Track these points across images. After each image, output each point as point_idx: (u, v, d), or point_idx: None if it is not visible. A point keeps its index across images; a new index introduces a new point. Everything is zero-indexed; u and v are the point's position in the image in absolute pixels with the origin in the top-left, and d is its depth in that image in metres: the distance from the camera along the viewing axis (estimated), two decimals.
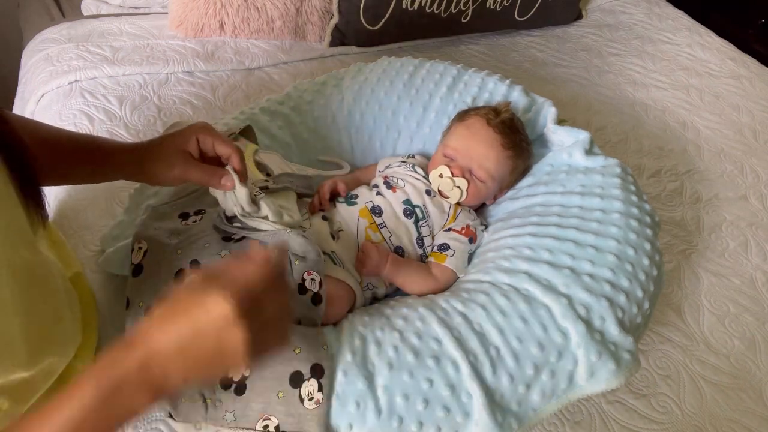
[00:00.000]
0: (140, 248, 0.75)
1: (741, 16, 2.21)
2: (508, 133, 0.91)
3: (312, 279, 0.72)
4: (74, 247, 0.89)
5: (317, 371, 0.66)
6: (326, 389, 0.66)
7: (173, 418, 0.68)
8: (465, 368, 0.68)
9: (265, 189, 0.79)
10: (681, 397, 0.87)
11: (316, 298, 0.72)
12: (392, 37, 1.51)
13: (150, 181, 0.72)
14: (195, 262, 0.72)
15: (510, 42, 1.64)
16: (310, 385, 0.65)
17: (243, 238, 0.76)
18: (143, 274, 0.73)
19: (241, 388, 0.66)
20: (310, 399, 0.65)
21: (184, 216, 0.79)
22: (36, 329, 0.56)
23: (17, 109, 1.32)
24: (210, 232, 0.75)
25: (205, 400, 0.66)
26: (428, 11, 1.48)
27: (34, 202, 0.57)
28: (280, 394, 0.65)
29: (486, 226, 0.92)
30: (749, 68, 1.67)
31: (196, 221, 0.78)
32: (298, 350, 0.66)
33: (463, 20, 1.54)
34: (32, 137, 0.64)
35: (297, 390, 0.65)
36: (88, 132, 1.10)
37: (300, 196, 0.87)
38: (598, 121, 1.38)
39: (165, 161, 0.69)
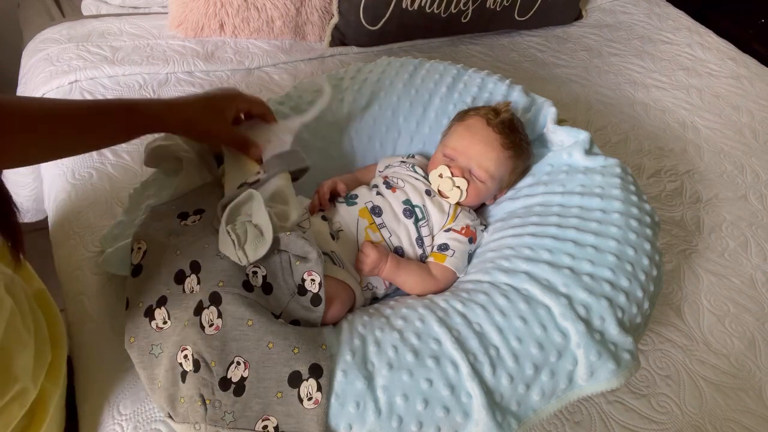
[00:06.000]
0: (139, 248, 0.74)
1: (741, 16, 2.21)
2: (507, 133, 0.91)
3: (312, 279, 0.72)
4: (74, 247, 0.89)
5: (316, 371, 0.66)
6: (325, 389, 0.66)
7: (172, 419, 0.68)
8: (465, 368, 0.68)
9: (256, 183, 0.79)
10: (681, 397, 0.87)
11: (316, 299, 0.72)
12: (392, 37, 1.51)
13: (199, 135, 0.80)
14: (195, 264, 0.72)
15: (510, 42, 1.64)
16: (308, 385, 0.65)
17: None
18: (143, 274, 0.73)
19: (239, 389, 0.66)
20: (309, 399, 0.65)
21: (184, 216, 0.79)
22: (7, 355, 0.55)
23: None
24: (209, 232, 0.75)
25: (204, 401, 0.66)
26: (428, 11, 1.48)
27: (11, 239, 0.56)
28: (279, 395, 0.65)
29: (486, 226, 0.92)
30: (749, 68, 1.67)
31: (195, 221, 0.78)
32: (296, 350, 0.66)
33: (463, 20, 1.54)
34: (51, 113, 0.61)
35: (296, 390, 0.65)
36: None
37: (295, 177, 0.85)
38: (598, 121, 1.38)
39: (219, 115, 0.78)
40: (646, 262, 0.80)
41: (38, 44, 1.34)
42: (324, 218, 0.86)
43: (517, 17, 1.62)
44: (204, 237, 0.75)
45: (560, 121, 1.03)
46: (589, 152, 0.94)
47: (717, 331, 0.97)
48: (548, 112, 1.03)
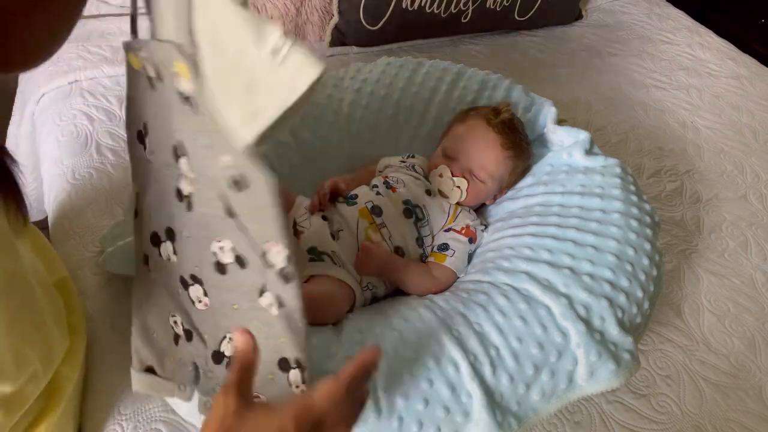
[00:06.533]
0: (138, 193, 0.67)
1: (741, 16, 2.21)
2: (508, 134, 0.91)
3: (278, 252, 0.53)
4: (74, 247, 0.89)
5: (300, 365, 0.62)
6: (308, 384, 0.62)
7: (154, 373, 0.66)
8: (465, 368, 0.68)
9: None
10: (681, 397, 0.87)
11: (287, 275, 0.54)
12: (392, 37, 1.51)
13: None
14: (170, 231, 0.62)
15: (510, 42, 1.64)
16: (295, 374, 0.62)
17: (191, 197, 0.58)
18: (138, 218, 0.68)
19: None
20: (297, 387, 0.64)
21: (141, 138, 0.62)
22: (19, 337, 0.56)
23: (17, 110, 1.33)
24: (167, 188, 0.60)
25: (197, 368, 0.65)
26: (428, 11, 1.48)
27: (14, 204, 0.56)
28: (270, 377, 0.63)
29: (486, 226, 0.92)
30: (749, 68, 1.67)
31: (153, 151, 0.61)
32: (282, 339, 0.59)
33: (463, 20, 1.54)
34: None
35: (286, 375, 0.63)
36: (88, 133, 1.10)
37: None
38: (598, 121, 1.38)
39: None
40: (646, 262, 0.80)
41: None
42: (324, 218, 0.86)
43: (517, 17, 1.62)
44: (165, 196, 0.61)
45: (560, 121, 1.03)
46: (589, 152, 0.94)
47: (717, 331, 0.97)
48: (548, 112, 1.03)
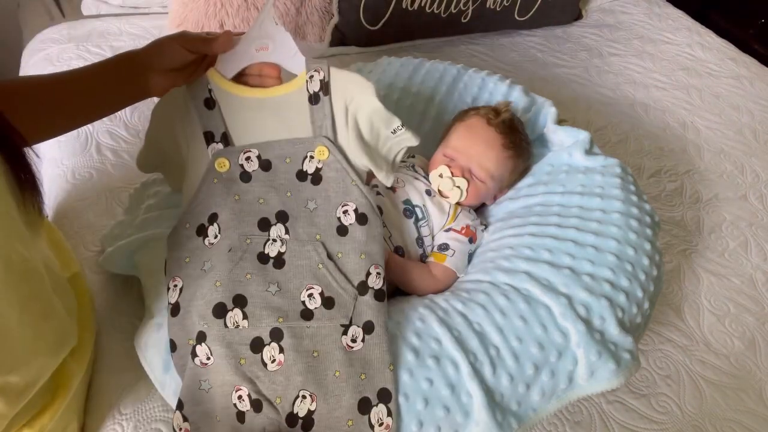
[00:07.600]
0: (176, 286, 0.71)
1: (741, 16, 2.21)
2: (508, 133, 0.91)
3: (378, 273, 0.72)
4: (74, 247, 0.89)
5: (385, 396, 0.66)
6: (395, 413, 0.66)
7: None
8: (465, 368, 0.68)
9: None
10: (681, 397, 0.87)
11: (380, 295, 0.71)
12: (392, 37, 1.51)
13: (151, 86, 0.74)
14: (240, 298, 0.69)
15: (510, 42, 1.64)
16: (378, 411, 0.66)
17: (281, 256, 0.72)
18: (182, 311, 0.70)
19: (308, 423, 0.65)
20: (380, 425, 0.65)
21: (202, 231, 0.74)
22: (29, 325, 0.56)
23: None
24: (243, 255, 0.72)
25: None
26: (428, 11, 1.48)
27: (30, 195, 0.56)
28: (350, 423, 0.65)
29: (486, 226, 0.92)
30: (749, 68, 1.67)
31: (217, 236, 0.73)
32: (363, 376, 0.66)
33: (463, 20, 1.54)
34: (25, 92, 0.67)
35: (366, 417, 0.65)
36: (88, 134, 1.10)
37: None
38: (598, 121, 1.38)
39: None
40: (646, 262, 0.80)
41: (38, 44, 1.34)
42: None
43: (517, 17, 1.62)
44: (239, 263, 0.71)
45: (560, 121, 1.03)
46: (589, 152, 0.94)
47: (717, 331, 0.97)
48: (548, 112, 1.03)
